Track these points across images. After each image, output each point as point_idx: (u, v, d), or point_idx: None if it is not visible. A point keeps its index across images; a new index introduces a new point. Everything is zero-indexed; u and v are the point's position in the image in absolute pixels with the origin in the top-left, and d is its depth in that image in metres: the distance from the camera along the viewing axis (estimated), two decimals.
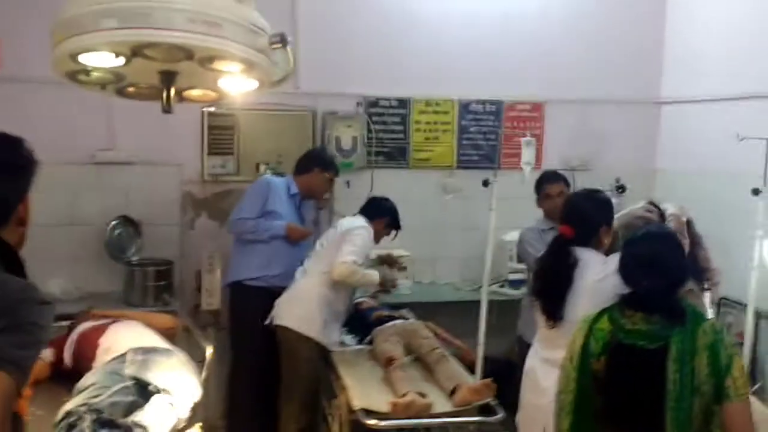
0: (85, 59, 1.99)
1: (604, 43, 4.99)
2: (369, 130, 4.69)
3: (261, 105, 4.35)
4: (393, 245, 4.73)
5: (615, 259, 2.47)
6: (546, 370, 2.59)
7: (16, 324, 1.38)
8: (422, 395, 2.82)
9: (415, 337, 3.44)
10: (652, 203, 2.93)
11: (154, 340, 2.87)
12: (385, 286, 3.66)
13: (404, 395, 2.80)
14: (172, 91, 2.18)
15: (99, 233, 4.29)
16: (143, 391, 2.41)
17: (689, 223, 2.88)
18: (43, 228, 4.17)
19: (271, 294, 3.71)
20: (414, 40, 4.73)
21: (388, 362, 3.15)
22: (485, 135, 4.89)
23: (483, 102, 4.91)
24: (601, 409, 1.98)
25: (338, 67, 4.63)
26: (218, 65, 2.06)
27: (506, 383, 2.95)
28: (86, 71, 2.12)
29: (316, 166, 3.96)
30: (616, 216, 2.84)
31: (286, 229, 3.85)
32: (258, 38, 2.05)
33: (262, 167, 4.40)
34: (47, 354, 2.91)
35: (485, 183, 3.75)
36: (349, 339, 3.84)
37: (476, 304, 3.93)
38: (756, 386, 3.74)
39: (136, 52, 1.96)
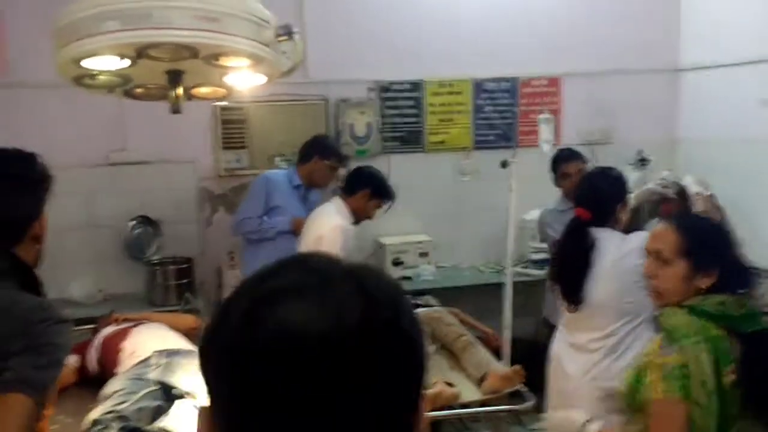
0: (90, 63, 1.96)
1: (619, 11, 4.86)
2: (382, 116, 4.62)
3: (272, 96, 4.29)
4: (412, 230, 4.72)
5: (634, 237, 2.42)
6: (571, 355, 2.55)
7: (34, 345, 1.37)
8: (450, 384, 2.77)
9: (439, 324, 3.39)
10: (667, 179, 2.85)
11: (178, 341, 2.85)
12: None
13: (432, 385, 2.76)
14: (180, 90, 2.14)
15: (118, 234, 4.28)
16: (168, 395, 2.39)
17: (711, 197, 2.80)
18: (62, 232, 4.17)
19: None
20: (423, 20, 4.64)
21: None
22: (501, 114, 4.80)
23: (497, 80, 4.81)
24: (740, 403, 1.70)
25: (348, 54, 4.56)
26: (224, 61, 2.02)
27: (534, 365, 2.90)
28: (92, 75, 2.08)
29: (316, 153, 3.86)
30: (633, 194, 2.76)
31: (291, 223, 3.78)
32: (263, 31, 2.00)
33: (277, 159, 4.36)
34: (72, 360, 2.90)
35: (503, 164, 3.68)
36: None
37: (500, 286, 3.88)
38: None
39: (140, 53, 1.92)
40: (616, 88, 4.90)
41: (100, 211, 4.31)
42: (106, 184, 4.32)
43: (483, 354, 3.12)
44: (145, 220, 4.33)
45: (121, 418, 2.21)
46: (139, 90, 2.29)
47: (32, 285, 1.56)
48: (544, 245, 4.19)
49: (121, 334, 2.87)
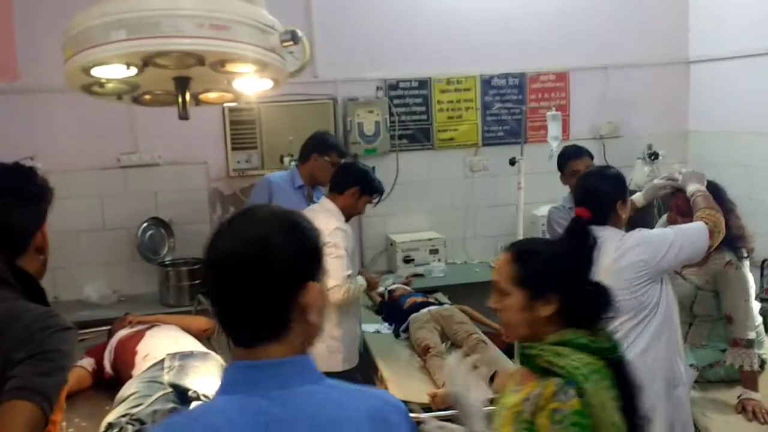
0: (98, 72, 1.98)
1: (626, 4, 4.84)
2: (391, 114, 4.63)
3: (281, 97, 4.31)
4: (423, 227, 4.73)
5: (634, 234, 2.42)
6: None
7: (39, 352, 1.39)
8: None
9: (450, 322, 3.41)
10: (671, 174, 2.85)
11: (191, 343, 2.89)
12: (372, 287, 3.38)
13: (443, 385, 2.77)
14: (188, 97, 2.16)
15: (131, 236, 4.33)
16: (183, 397, 2.43)
17: (720, 191, 2.78)
18: (76, 234, 4.22)
19: None
20: (430, 18, 4.64)
21: (426, 350, 3.13)
22: (510, 110, 4.79)
23: (505, 76, 4.81)
24: None
25: (356, 53, 4.57)
26: (231, 68, 2.03)
27: None
28: (100, 83, 2.10)
29: (314, 151, 3.84)
30: (641, 192, 2.76)
31: None
32: (269, 37, 2.01)
33: (286, 159, 4.37)
34: (88, 363, 2.95)
35: (512, 162, 3.68)
36: (384, 328, 3.82)
37: None
38: None
39: (147, 61, 1.94)
40: (624, 82, 4.88)
41: (112, 214, 4.35)
42: (118, 186, 4.36)
43: (494, 352, 3.13)
44: (158, 222, 4.37)
45: (137, 420, 2.24)
46: (147, 96, 2.31)
47: (37, 295, 1.58)
48: None
49: (136, 338, 2.91)
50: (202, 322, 3.26)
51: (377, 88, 4.64)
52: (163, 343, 2.81)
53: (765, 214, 4.10)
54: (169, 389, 2.44)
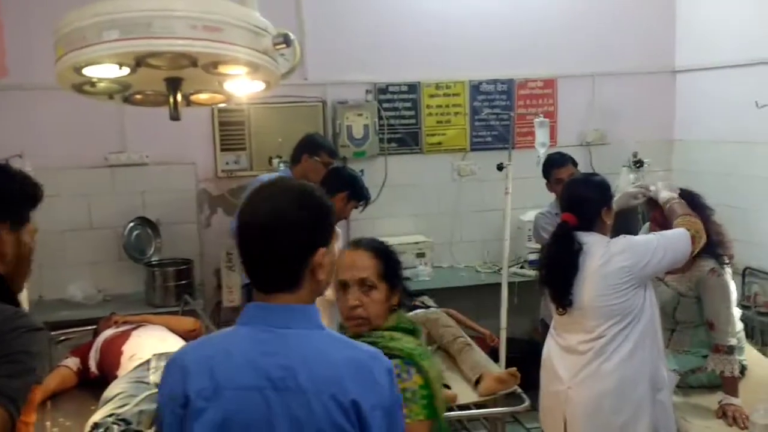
0: (90, 72, 1.98)
1: (614, 13, 4.89)
2: (380, 117, 4.65)
3: (271, 99, 4.31)
4: (410, 231, 4.75)
5: (619, 241, 2.47)
6: (561, 356, 2.59)
7: (6, 354, 1.37)
8: (447, 386, 2.80)
9: (436, 326, 3.42)
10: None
11: (177, 343, 2.87)
12: None
13: None
14: (179, 97, 2.16)
15: (117, 235, 4.31)
16: None
17: (696, 197, 2.83)
18: (62, 233, 4.20)
19: None
20: (421, 23, 4.66)
21: None
22: (498, 115, 4.82)
23: (494, 81, 4.84)
24: None
25: (346, 56, 4.59)
26: (223, 69, 2.04)
27: (531, 364, 2.93)
28: (91, 83, 2.11)
29: (304, 153, 3.86)
30: (614, 199, 2.80)
31: None
32: (261, 40, 2.02)
33: (275, 161, 4.37)
34: (73, 362, 2.93)
35: (500, 167, 3.72)
36: None
37: (497, 286, 3.92)
38: None
39: (139, 61, 1.94)
40: (611, 90, 4.94)
41: (99, 213, 4.33)
42: (106, 185, 4.34)
43: (479, 356, 3.15)
44: (144, 222, 4.35)
45: (122, 421, 2.24)
46: (138, 96, 2.31)
47: (6, 295, 1.56)
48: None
49: (122, 337, 2.90)
50: (188, 322, 3.26)
51: (367, 92, 4.65)
52: (150, 343, 2.81)
53: (748, 223, 4.17)
54: (155, 390, 2.43)
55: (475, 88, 4.82)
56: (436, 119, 4.80)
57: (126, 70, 1.98)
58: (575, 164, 3.77)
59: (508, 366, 3.47)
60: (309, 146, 3.86)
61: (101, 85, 2.13)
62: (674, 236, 2.48)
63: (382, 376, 1.34)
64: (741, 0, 4.44)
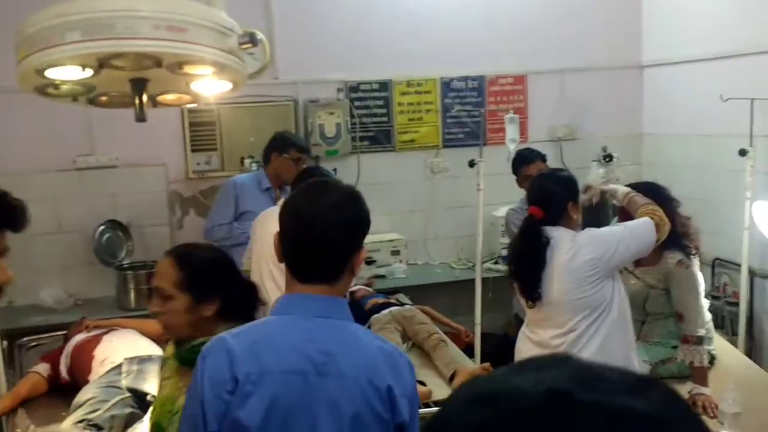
0: (52, 74, 1.96)
1: (581, 9, 4.93)
2: (352, 116, 4.64)
3: (241, 98, 4.27)
4: (384, 228, 4.75)
5: (584, 234, 2.50)
6: (533, 351, 2.61)
7: None
8: (421, 383, 2.81)
9: (411, 323, 3.43)
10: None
11: (150, 347, 2.86)
12: None
13: None
14: (145, 98, 2.14)
15: (87, 239, 4.25)
16: (141, 402, 2.40)
17: (661, 189, 2.88)
18: (31, 237, 4.11)
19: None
20: (391, 21, 4.66)
21: None
22: (469, 112, 4.84)
23: (465, 78, 4.86)
24: None
25: (316, 54, 4.57)
26: (188, 69, 2.03)
27: (506, 359, 2.95)
28: (54, 85, 2.08)
29: (273, 151, 3.85)
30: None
31: None
32: (227, 39, 2.01)
33: (247, 161, 4.35)
34: (43, 368, 2.89)
35: (471, 164, 3.74)
36: None
37: (472, 282, 3.94)
38: None
39: (103, 63, 1.92)
40: (581, 85, 4.98)
41: (68, 216, 4.27)
42: (74, 188, 4.28)
43: (454, 351, 3.17)
44: (115, 225, 4.30)
45: (93, 426, 2.21)
46: (103, 98, 2.29)
47: None
48: None
49: (93, 342, 2.87)
50: (160, 326, 3.23)
51: (338, 90, 4.64)
52: (121, 347, 2.78)
53: (717, 215, 4.23)
54: (127, 394, 2.41)
55: (446, 85, 4.83)
56: (408, 117, 4.81)
57: (89, 72, 1.96)
58: (544, 160, 3.80)
59: (482, 361, 3.51)
60: (277, 144, 3.85)
61: (65, 87, 2.11)
62: (638, 226, 2.52)
63: (407, 368, 1.46)
64: None
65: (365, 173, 4.69)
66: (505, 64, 4.88)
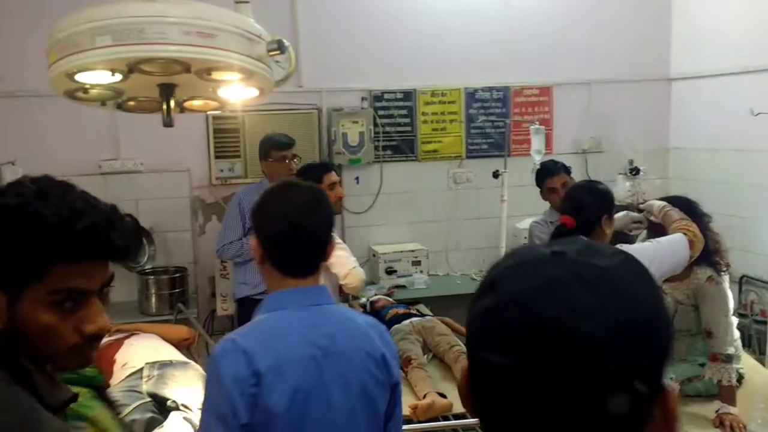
0: (82, 78, 1.96)
1: (610, 21, 4.90)
2: (375, 125, 4.63)
3: (265, 106, 4.30)
4: (405, 238, 4.73)
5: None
6: None
7: None
8: (442, 395, 2.78)
9: (432, 334, 3.40)
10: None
11: (170, 352, 2.85)
12: None
13: (424, 397, 2.77)
14: (172, 104, 2.14)
15: None
16: (162, 407, 2.40)
17: (693, 204, 2.82)
18: None
19: None
20: (417, 30, 4.66)
21: (407, 362, 3.12)
22: (494, 123, 4.82)
23: (490, 89, 4.84)
24: None
25: (341, 63, 4.58)
26: (216, 76, 2.03)
27: None
28: (84, 89, 2.09)
29: (260, 159, 3.85)
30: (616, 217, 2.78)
31: None
32: (255, 46, 2.01)
33: None
34: None
35: (495, 175, 3.71)
36: None
37: None
38: None
39: (132, 68, 1.93)
40: (607, 98, 4.94)
41: None
42: (99, 193, 4.12)
43: None
44: (138, 229, 4.32)
45: None
46: (131, 103, 2.29)
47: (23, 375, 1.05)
48: None
49: (114, 346, 2.87)
50: (182, 331, 3.23)
51: (362, 99, 4.65)
52: (142, 352, 2.78)
53: (745, 231, 4.16)
54: (148, 399, 2.41)
55: (471, 95, 4.81)
56: (432, 127, 4.79)
57: (119, 77, 1.96)
58: (569, 172, 3.75)
59: None
60: (261, 152, 3.87)
61: (94, 91, 2.11)
62: (672, 242, 2.46)
63: (388, 334, 1.72)
64: (737, 8, 4.44)
65: (388, 183, 4.68)
66: (531, 74, 4.85)
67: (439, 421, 2.77)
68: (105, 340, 3.00)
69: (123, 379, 2.58)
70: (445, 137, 4.81)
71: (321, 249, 1.64)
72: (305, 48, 4.35)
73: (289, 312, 1.60)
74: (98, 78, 1.97)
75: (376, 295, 4.18)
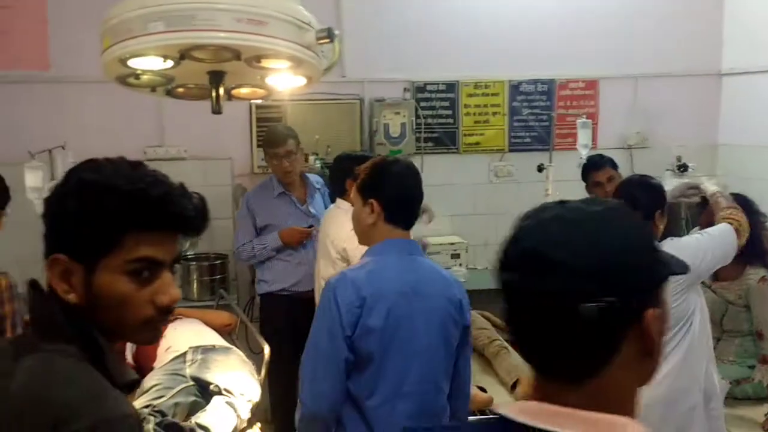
0: (135, 63, 1.99)
1: (659, 14, 4.78)
2: (417, 116, 4.61)
3: (308, 95, 4.31)
4: (445, 231, 4.71)
5: (666, 244, 2.40)
6: None
7: None
8: (483, 390, 2.76)
9: (472, 327, 3.37)
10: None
11: (213, 338, 2.89)
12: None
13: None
14: (221, 91, 2.16)
15: None
16: (204, 392, 2.43)
17: (750, 203, 2.75)
18: None
19: (298, 300, 3.58)
20: (460, 21, 4.61)
21: None
22: (537, 116, 4.75)
23: (534, 81, 4.77)
24: None
25: (384, 53, 4.56)
26: (266, 63, 2.03)
27: None
28: (136, 75, 2.11)
29: (265, 158, 3.86)
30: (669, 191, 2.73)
31: (279, 237, 3.71)
32: (305, 34, 2.01)
33: (311, 158, 4.36)
34: None
35: (540, 168, 3.66)
36: None
37: None
38: None
39: (184, 54, 1.94)
40: (655, 92, 4.82)
41: None
42: None
43: (515, 359, 3.10)
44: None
45: (159, 412, 2.24)
46: (180, 90, 2.32)
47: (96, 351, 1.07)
48: None
49: None
50: (224, 317, 3.27)
51: (404, 90, 4.62)
52: (186, 336, 2.81)
53: None
54: (191, 382, 2.44)
55: (515, 87, 4.75)
56: (474, 119, 4.75)
57: (170, 63, 1.98)
58: (615, 167, 3.69)
59: None
60: (263, 150, 3.87)
61: (145, 77, 2.14)
62: (719, 232, 2.42)
63: (463, 287, 2.15)
64: None
65: (428, 174, 4.57)
66: (577, 67, 4.76)
67: (479, 415, 2.75)
68: None
69: (167, 363, 2.62)
70: (488, 130, 4.77)
71: (419, 208, 2.17)
72: (348, 37, 4.34)
73: (392, 257, 2.04)
74: (150, 64, 2.00)
75: None
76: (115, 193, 1.08)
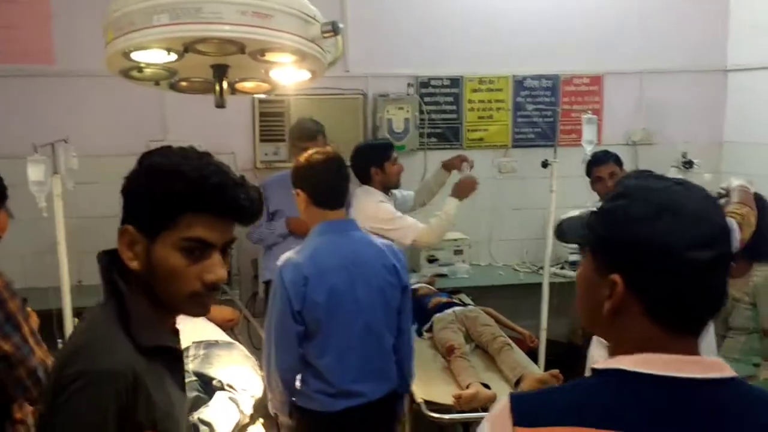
0: (138, 57, 1.97)
1: (664, 9, 4.75)
2: (421, 111, 4.59)
3: (311, 90, 4.27)
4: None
5: None
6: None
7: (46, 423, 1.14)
8: (486, 386, 2.75)
9: (475, 324, 3.36)
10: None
11: (216, 332, 2.88)
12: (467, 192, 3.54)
13: (467, 386, 2.74)
14: (225, 85, 2.14)
15: None
16: (207, 387, 2.42)
17: (759, 198, 2.72)
18: (102, 220, 4.21)
19: None
20: (464, 16, 4.59)
21: (450, 351, 3.09)
22: (541, 112, 4.73)
23: (538, 77, 4.75)
24: None
25: (387, 48, 4.54)
26: (270, 57, 2.02)
27: (569, 368, 2.86)
28: (139, 68, 2.10)
29: (289, 145, 3.91)
30: None
31: (287, 224, 3.73)
32: (310, 27, 1.99)
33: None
34: None
35: (545, 164, 3.64)
36: None
37: (535, 286, 3.84)
38: None
39: (188, 47, 1.93)
40: (659, 88, 4.80)
41: None
42: None
43: (519, 356, 3.08)
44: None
45: None
46: (184, 83, 2.30)
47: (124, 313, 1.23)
48: None
49: None
50: (226, 312, 3.26)
51: (408, 85, 4.60)
52: (188, 331, 2.76)
53: None
54: (194, 377, 2.43)
55: (519, 83, 4.73)
56: (478, 114, 4.73)
57: (174, 56, 1.97)
58: (620, 163, 3.67)
59: (547, 368, 3.41)
60: (289, 139, 3.94)
61: (148, 70, 2.13)
62: None
63: (398, 251, 2.43)
64: None
65: (432, 170, 4.61)
66: (581, 63, 4.74)
67: (482, 412, 2.74)
68: None
69: None
70: (492, 125, 4.74)
71: (343, 191, 2.40)
72: (352, 32, 4.32)
73: (330, 236, 2.31)
74: (154, 57, 1.98)
75: (417, 283, 4.15)
76: (179, 177, 1.19)
